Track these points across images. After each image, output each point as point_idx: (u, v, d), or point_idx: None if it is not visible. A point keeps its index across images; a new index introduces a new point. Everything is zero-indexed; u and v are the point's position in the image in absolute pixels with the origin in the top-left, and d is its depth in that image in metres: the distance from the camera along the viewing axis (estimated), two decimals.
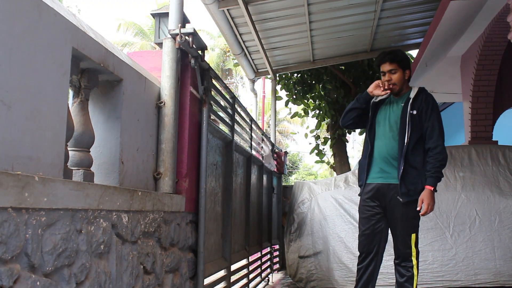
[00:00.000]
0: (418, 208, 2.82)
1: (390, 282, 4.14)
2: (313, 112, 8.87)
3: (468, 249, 4.12)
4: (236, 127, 3.99)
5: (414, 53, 8.20)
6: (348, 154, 9.13)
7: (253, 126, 4.78)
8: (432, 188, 2.81)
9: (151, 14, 2.99)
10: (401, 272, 2.92)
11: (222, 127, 3.70)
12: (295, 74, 8.64)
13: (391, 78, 2.92)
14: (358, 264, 3.06)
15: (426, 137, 2.88)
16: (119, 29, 23.14)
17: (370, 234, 2.98)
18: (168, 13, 2.75)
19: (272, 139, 6.55)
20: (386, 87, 2.93)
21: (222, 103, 3.72)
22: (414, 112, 2.87)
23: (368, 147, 3.03)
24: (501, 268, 4.05)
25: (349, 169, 8.36)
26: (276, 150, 6.31)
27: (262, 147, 5.50)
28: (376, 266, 3.02)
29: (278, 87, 8.59)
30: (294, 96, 8.68)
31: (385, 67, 2.93)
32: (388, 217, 2.95)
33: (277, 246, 6.65)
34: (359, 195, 3.13)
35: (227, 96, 3.79)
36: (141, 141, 2.36)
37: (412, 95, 2.92)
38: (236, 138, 3.98)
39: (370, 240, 2.98)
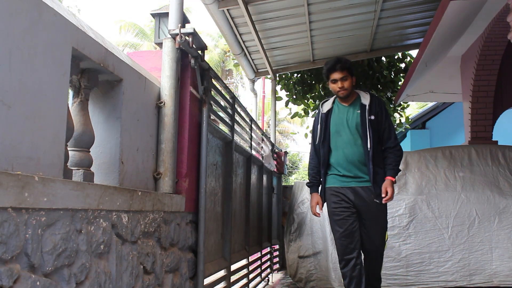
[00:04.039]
0: (383, 195, 2.97)
1: (389, 283, 4.14)
2: (313, 112, 8.87)
3: (464, 250, 4.13)
4: (236, 127, 4.00)
5: (414, 53, 8.22)
6: None
7: (253, 126, 4.78)
8: (393, 179, 3.02)
9: (151, 14, 2.98)
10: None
11: (222, 127, 3.70)
12: (295, 74, 8.63)
13: (343, 85, 3.05)
14: (343, 268, 3.06)
15: (384, 137, 3.09)
16: (120, 32, 23.12)
17: (349, 234, 3.04)
18: (168, 13, 2.75)
19: (272, 139, 6.55)
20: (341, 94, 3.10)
21: (222, 103, 3.72)
22: (372, 117, 3.05)
23: (326, 156, 3.13)
24: (497, 268, 4.05)
25: None
26: (276, 150, 6.30)
27: (262, 147, 5.50)
28: (362, 264, 3.06)
29: (278, 87, 8.59)
30: (294, 96, 8.67)
31: (337, 75, 3.05)
32: (365, 217, 3.06)
33: (277, 246, 6.65)
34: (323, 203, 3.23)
35: (227, 96, 3.79)
36: (141, 141, 2.36)
37: (366, 102, 3.08)
38: (236, 138, 3.98)
39: (351, 240, 3.04)
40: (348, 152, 3.06)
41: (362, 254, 3.12)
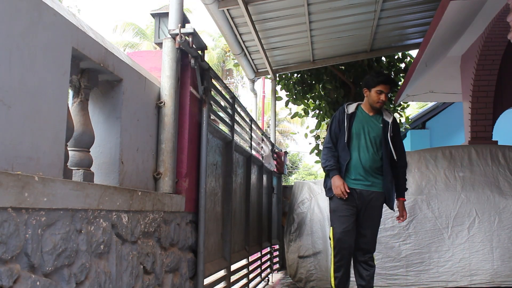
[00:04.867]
0: (401, 218, 3.44)
1: (389, 283, 4.14)
2: (313, 112, 8.87)
3: (465, 250, 4.13)
4: (236, 127, 3.99)
5: (414, 53, 8.22)
6: None
7: (253, 126, 4.78)
8: (405, 200, 3.49)
9: (151, 14, 2.98)
10: (370, 264, 3.36)
11: (222, 127, 3.70)
12: (295, 74, 8.63)
13: (385, 100, 3.37)
14: (339, 261, 3.30)
15: (396, 155, 3.41)
16: (115, 30, 23.08)
17: (350, 230, 3.31)
18: (168, 13, 2.75)
19: (272, 139, 6.55)
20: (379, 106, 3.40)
21: (222, 103, 3.72)
22: (392, 134, 3.42)
23: (347, 154, 3.35)
24: (498, 268, 4.05)
25: None
26: (276, 150, 6.30)
27: (262, 147, 5.50)
28: (351, 260, 3.37)
29: (278, 87, 8.59)
30: (294, 96, 8.67)
31: (386, 89, 3.37)
32: (364, 218, 3.35)
33: (277, 246, 6.64)
34: (329, 196, 3.44)
35: (227, 96, 3.79)
36: (141, 141, 2.36)
37: (389, 120, 3.42)
38: (236, 138, 3.98)
39: (351, 236, 3.32)
40: (363, 156, 3.35)
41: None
